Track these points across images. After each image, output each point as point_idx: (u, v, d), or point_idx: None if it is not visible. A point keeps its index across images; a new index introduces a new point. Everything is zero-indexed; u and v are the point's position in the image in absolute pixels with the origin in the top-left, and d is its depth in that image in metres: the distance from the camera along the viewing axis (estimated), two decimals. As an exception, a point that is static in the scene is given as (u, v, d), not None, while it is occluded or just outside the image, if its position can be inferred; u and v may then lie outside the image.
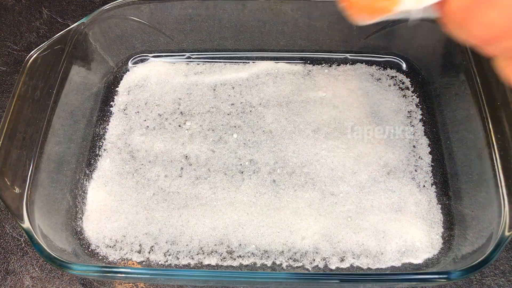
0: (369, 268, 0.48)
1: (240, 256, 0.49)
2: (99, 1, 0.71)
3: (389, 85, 0.60)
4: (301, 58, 0.63)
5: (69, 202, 0.52)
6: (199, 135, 0.57)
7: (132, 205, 0.52)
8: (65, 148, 0.54)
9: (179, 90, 0.61)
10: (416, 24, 0.58)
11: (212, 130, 0.57)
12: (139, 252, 0.49)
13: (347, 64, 0.62)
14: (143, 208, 0.52)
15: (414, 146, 0.55)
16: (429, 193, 0.52)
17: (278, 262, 0.48)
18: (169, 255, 0.49)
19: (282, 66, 0.62)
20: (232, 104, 0.59)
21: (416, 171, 0.53)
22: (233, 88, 0.61)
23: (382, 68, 0.62)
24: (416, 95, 0.60)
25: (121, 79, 0.62)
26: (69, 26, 0.57)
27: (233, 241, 0.50)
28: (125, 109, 0.60)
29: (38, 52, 0.53)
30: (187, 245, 0.50)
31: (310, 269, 0.48)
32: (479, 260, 0.41)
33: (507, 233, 0.42)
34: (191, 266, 0.48)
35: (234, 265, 0.49)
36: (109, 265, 0.48)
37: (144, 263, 0.49)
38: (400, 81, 0.61)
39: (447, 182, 0.52)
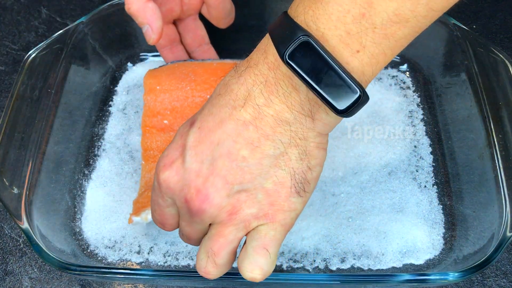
0: (370, 269, 0.47)
1: (240, 256, 0.49)
2: (98, 0, 0.71)
3: (390, 85, 0.60)
4: (301, 58, 0.62)
5: (68, 202, 0.52)
6: (198, 135, 0.56)
7: (131, 205, 0.52)
8: (64, 148, 0.54)
9: (179, 89, 0.60)
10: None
11: (211, 130, 0.57)
12: (138, 253, 0.49)
13: (348, 64, 0.61)
14: (143, 208, 0.52)
15: (415, 146, 0.55)
16: (430, 193, 0.52)
17: (278, 263, 0.48)
18: (169, 256, 0.49)
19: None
20: (232, 104, 0.59)
21: (417, 171, 0.53)
22: (233, 87, 0.60)
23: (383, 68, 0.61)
24: (417, 94, 0.59)
25: (120, 79, 0.62)
26: (68, 25, 0.57)
27: (233, 242, 0.49)
28: (124, 109, 0.60)
29: (36, 52, 0.53)
30: (186, 246, 0.49)
31: (310, 270, 0.48)
32: (481, 261, 0.41)
33: (508, 234, 0.42)
34: (191, 267, 0.48)
35: (234, 265, 0.48)
36: (108, 266, 0.48)
37: (143, 264, 0.49)
38: (401, 80, 0.61)
39: (448, 183, 0.52)
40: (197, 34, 0.58)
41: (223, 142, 0.35)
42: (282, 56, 0.32)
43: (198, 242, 0.40)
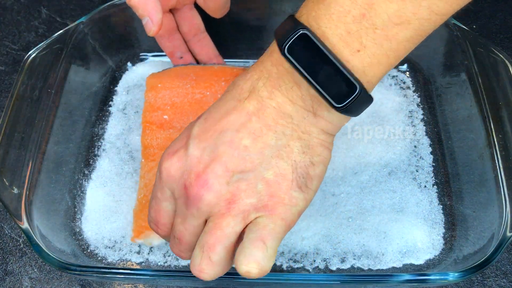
0: (370, 269, 0.47)
1: (240, 257, 0.49)
2: (98, 0, 0.71)
3: (390, 85, 0.60)
4: (301, 58, 0.62)
5: (68, 202, 0.52)
6: (198, 135, 0.56)
7: (131, 205, 0.52)
8: (64, 148, 0.54)
9: (179, 89, 0.60)
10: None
11: (212, 130, 0.57)
12: (138, 253, 0.49)
13: (348, 64, 0.61)
14: (143, 208, 0.52)
15: (415, 146, 0.55)
16: (430, 193, 0.52)
17: (278, 263, 0.48)
18: (169, 256, 0.49)
19: (282, 65, 0.62)
20: (232, 104, 0.59)
21: (417, 171, 0.53)
22: (233, 87, 0.60)
23: (382, 68, 0.61)
24: (417, 94, 0.59)
25: (120, 79, 0.62)
26: (68, 25, 0.57)
27: (233, 242, 0.49)
28: (124, 109, 0.60)
29: (36, 52, 0.53)
30: (186, 245, 0.49)
31: (310, 270, 0.48)
32: (481, 261, 0.41)
33: (508, 234, 0.42)
34: (191, 267, 0.48)
35: (234, 265, 0.48)
36: (108, 266, 0.48)
37: (143, 264, 0.49)
38: (401, 80, 0.61)
39: (448, 183, 0.52)
40: (193, 23, 0.58)
41: (226, 131, 0.35)
42: (281, 50, 0.33)
43: (190, 247, 0.38)
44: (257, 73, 0.36)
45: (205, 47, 0.59)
